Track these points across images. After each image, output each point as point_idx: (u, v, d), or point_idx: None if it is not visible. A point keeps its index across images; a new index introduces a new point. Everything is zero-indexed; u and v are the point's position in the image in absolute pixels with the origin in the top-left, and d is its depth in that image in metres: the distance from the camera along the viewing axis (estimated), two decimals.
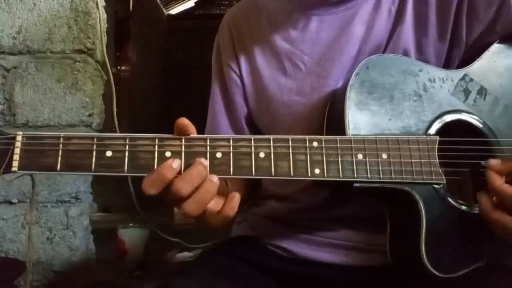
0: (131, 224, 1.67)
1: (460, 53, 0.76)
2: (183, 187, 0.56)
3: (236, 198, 0.59)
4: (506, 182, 0.62)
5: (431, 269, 0.62)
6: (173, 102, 7.45)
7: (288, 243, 0.80)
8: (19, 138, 0.58)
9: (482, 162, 0.64)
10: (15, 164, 0.57)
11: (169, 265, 1.75)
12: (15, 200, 1.51)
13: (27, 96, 1.54)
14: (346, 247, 0.77)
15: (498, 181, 0.61)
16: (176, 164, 0.57)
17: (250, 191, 0.86)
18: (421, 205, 0.63)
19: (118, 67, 5.61)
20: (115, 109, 1.78)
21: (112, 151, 0.58)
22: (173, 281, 0.71)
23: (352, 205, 0.74)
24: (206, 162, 0.58)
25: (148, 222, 1.82)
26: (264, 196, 0.87)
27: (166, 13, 7.97)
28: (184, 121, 0.59)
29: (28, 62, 1.55)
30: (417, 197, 0.63)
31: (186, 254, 1.82)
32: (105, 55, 1.66)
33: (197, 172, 0.57)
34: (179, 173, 0.57)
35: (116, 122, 1.81)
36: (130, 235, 1.60)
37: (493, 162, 0.63)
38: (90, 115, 1.56)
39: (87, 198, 1.60)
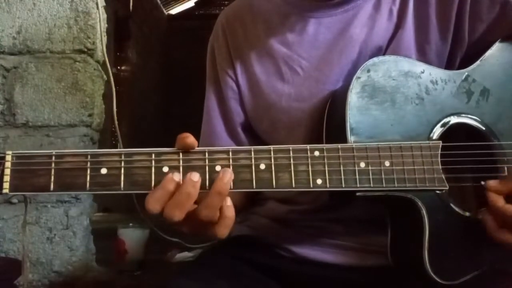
0: (131, 224, 1.67)
1: (462, 53, 0.75)
2: (174, 214, 0.54)
3: (228, 199, 0.57)
4: (509, 202, 0.62)
5: (434, 276, 0.62)
6: (173, 102, 7.46)
7: (289, 243, 0.80)
8: (8, 157, 0.55)
9: (482, 182, 0.64)
10: (6, 185, 0.54)
11: (169, 265, 1.75)
12: (15, 200, 1.51)
13: (27, 96, 1.54)
14: (346, 247, 0.77)
15: (500, 202, 0.61)
16: (177, 176, 0.55)
17: (250, 196, 0.86)
18: (424, 212, 0.62)
19: (118, 67, 5.61)
20: (115, 109, 1.78)
21: (107, 168, 0.56)
22: (173, 281, 0.71)
23: (353, 207, 0.74)
24: (197, 177, 0.55)
25: (148, 222, 1.82)
26: (264, 197, 0.86)
27: (166, 13, 7.97)
28: (191, 141, 0.57)
29: (28, 62, 1.55)
30: (420, 204, 0.62)
31: (186, 254, 1.82)
32: (105, 55, 1.66)
33: (185, 196, 0.55)
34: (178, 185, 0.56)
35: (116, 122, 1.81)
36: (130, 235, 1.60)
37: (492, 183, 0.63)
38: (90, 115, 1.56)
39: (87, 198, 1.60)
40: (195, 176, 0.55)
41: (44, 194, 1.50)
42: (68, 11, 1.57)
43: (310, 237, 0.79)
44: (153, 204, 0.55)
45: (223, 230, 0.58)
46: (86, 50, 1.57)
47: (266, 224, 0.84)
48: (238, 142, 0.85)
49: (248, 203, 0.85)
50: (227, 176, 0.56)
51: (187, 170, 0.56)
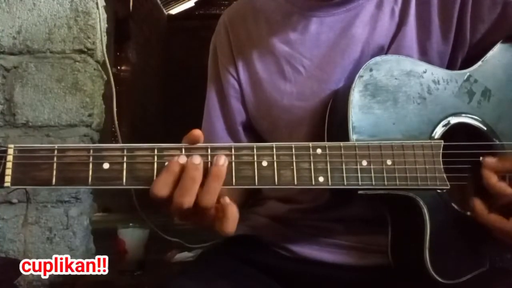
0: (131, 224, 1.66)
1: (463, 53, 0.75)
2: (183, 200, 0.54)
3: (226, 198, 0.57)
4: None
5: (435, 276, 0.62)
6: (172, 102, 7.46)
7: (289, 243, 0.80)
8: (10, 151, 0.54)
9: (480, 158, 0.64)
10: (8, 179, 0.54)
11: (169, 265, 1.74)
12: (15, 200, 1.51)
13: (27, 96, 1.54)
14: (347, 247, 0.77)
15: (493, 178, 0.62)
16: (182, 160, 0.55)
17: (251, 194, 0.86)
18: (425, 211, 0.62)
19: (118, 67, 5.61)
20: (115, 109, 1.77)
21: (110, 163, 0.55)
22: (173, 281, 0.71)
23: (354, 206, 0.74)
24: (199, 160, 0.55)
25: (148, 222, 1.81)
26: (264, 196, 0.86)
27: (166, 13, 7.98)
28: (198, 133, 0.57)
29: (28, 62, 1.55)
30: (421, 203, 0.62)
31: (186, 254, 1.82)
32: (105, 55, 1.65)
33: (190, 180, 0.54)
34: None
35: (116, 122, 1.81)
36: (130, 235, 1.60)
37: (489, 160, 0.63)
38: (90, 115, 1.55)
39: (87, 198, 1.60)
40: (197, 159, 0.55)
41: (45, 193, 1.51)
42: (68, 11, 1.57)
43: (310, 236, 0.79)
44: (160, 187, 0.54)
45: (230, 227, 0.57)
46: (86, 50, 1.57)
47: (267, 224, 0.84)
48: (238, 141, 0.85)
49: (248, 201, 0.85)
50: (222, 160, 0.56)
51: None
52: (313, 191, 0.75)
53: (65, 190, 1.52)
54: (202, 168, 0.55)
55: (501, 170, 0.62)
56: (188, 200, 0.54)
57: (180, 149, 0.57)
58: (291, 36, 0.80)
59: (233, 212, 0.56)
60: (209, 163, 0.57)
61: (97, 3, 1.59)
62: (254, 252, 0.81)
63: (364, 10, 0.77)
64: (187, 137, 0.57)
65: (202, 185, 0.55)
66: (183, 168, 0.55)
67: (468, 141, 0.67)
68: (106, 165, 0.56)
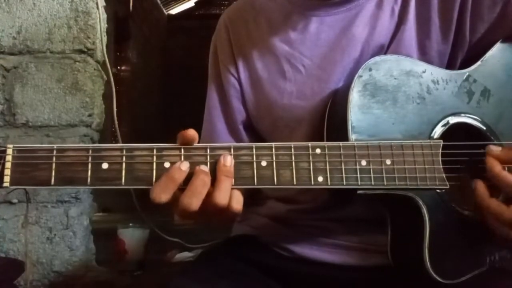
0: (131, 224, 1.66)
1: (463, 53, 0.75)
2: (191, 202, 0.55)
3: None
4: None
5: (435, 276, 0.62)
6: (172, 102, 7.46)
7: (289, 243, 0.80)
8: (9, 151, 0.55)
9: (482, 149, 0.63)
10: (6, 179, 0.54)
11: (169, 265, 1.74)
12: (15, 200, 1.51)
13: (27, 96, 1.54)
14: (347, 247, 0.77)
15: (497, 167, 0.62)
16: (185, 166, 0.56)
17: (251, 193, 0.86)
18: (425, 211, 0.62)
19: (118, 67, 5.61)
20: (115, 109, 1.78)
21: (109, 163, 0.56)
22: (173, 281, 0.71)
23: (353, 206, 0.74)
24: (207, 169, 0.56)
25: (148, 222, 1.81)
26: (264, 196, 0.86)
27: (166, 13, 7.98)
28: (192, 133, 0.57)
29: (28, 62, 1.55)
30: (421, 203, 0.62)
31: (186, 254, 1.82)
32: (105, 55, 1.66)
33: (201, 182, 0.55)
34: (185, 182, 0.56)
35: (116, 122, 1.81)
36: (130, 235, 1.60)
37: (493, 148, 0.63)
38: (90, 115, 1.55)
39: (87, 198, 1.60)
40: (205, 168, 0.56)
41: (45, 193, 1.51)
42: (68, 11, 1.57)
43: (310, 236, 0.79)
44: (160, 193, 0.55)
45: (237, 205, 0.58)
46: (86, 50, 1.57)
47: (266, 224, 0.84)
48: (239, 141, 0.85)
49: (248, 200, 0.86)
50: (228, 160, 0.57)
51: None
52: (313, 191, 0.75)
53: (65, 190, 1.52)
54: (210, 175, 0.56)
55: (504, 159, 0.62)
56: (196, 202, 0.55)
57: (179, 149, 0.57)
58: (291, 36, 0.80)
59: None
60: (208, 163, 0.57)
61: (97, 3, 1.60)
62: (254, 252, 0.81)
63: (364, 9, 0.77)
64: (182, 137, 0.57)
65: (212, 185, 0.56)
66: (185, 175, 0.55)
67: (467, 141, 0.67)
68: (105, 165, 0.56)
